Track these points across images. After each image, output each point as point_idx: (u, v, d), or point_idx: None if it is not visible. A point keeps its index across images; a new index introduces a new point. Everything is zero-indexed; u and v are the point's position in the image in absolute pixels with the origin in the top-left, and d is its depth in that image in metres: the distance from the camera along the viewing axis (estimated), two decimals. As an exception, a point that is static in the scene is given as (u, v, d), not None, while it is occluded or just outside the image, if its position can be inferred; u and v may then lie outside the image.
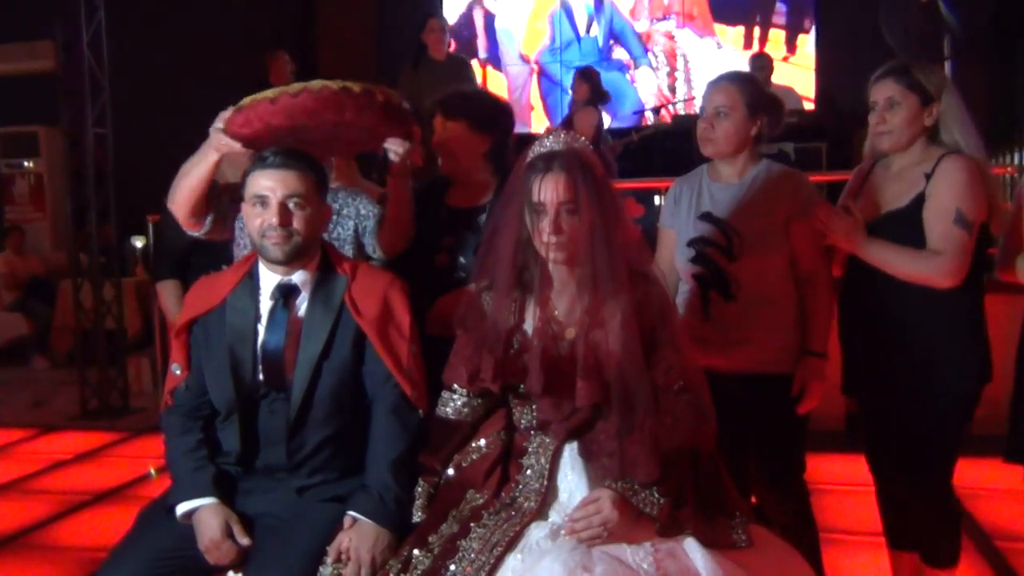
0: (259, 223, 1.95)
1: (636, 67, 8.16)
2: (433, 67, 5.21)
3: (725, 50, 7.99)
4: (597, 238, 1.79)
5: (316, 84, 1.96)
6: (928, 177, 2.24)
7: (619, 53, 8.17)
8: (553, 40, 8.26)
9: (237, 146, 2.06)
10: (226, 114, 2.06)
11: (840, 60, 7.43)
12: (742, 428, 2.31)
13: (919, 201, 2.24)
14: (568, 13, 8.27)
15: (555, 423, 1.82)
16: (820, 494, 2.52)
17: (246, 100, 2.01)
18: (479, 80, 5.41)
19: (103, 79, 5.74)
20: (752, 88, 2.37)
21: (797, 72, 7.98)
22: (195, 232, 2.29)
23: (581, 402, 1.78)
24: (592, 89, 5.95)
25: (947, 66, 6.10)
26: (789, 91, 7.74)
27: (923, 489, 2.37)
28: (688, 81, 7.69)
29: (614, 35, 8.20)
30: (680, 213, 2.45)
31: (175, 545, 1.89)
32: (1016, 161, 6.04)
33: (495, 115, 2.47)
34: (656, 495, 1.71)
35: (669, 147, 6.37)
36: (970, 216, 2.19)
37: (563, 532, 1.69)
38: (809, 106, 8.07)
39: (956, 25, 6.27)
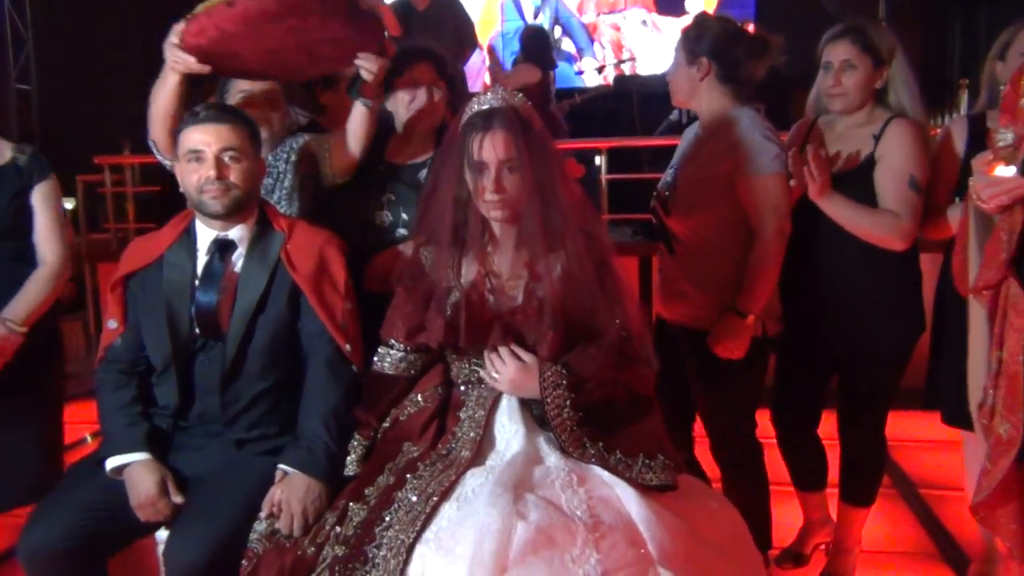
0: (196, 179, 1.94)
1: (581, 59, 8.24)
2: (416, 17, 5.19)
3: (668, 37, 8.01)
4: (538, 194, 1.80)
5: None
6: (876, 139, 2.26)
7: (567, 45, 8.30)
8: (503, 28, 8.34)
9: (193, 62, 1.99)
10: (180, 26, 1.98)
11: (779, 22, 7.49)
12: (686, 375, 2.37)
13: (870, 163, 2.27)
14: (515, 1, 8.36)
15: None
16: (772, 448, 2.58)
17: (200, 7, 1.94)
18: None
19: (25, 32, 5.52)
20: (694, 33, 2.30)
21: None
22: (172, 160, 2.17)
23: (547, 353, 1.80)
24: (534, 48, 5.88)
25: (882, 29, 6.19)
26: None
27: (861, 433, 2.47)
28: (634, 73, 7.78)
29: (561, 25, 8.29)
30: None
31: (103, 498, 1.88)
32: (946, 123, 6.18)
33: (463, 77, 2.51)
34: (569, 403, 1.75)
35: (610, 108, 6.39)
36: (921, 180, 2.24)
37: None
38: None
39: (891, -12, 6.36)
